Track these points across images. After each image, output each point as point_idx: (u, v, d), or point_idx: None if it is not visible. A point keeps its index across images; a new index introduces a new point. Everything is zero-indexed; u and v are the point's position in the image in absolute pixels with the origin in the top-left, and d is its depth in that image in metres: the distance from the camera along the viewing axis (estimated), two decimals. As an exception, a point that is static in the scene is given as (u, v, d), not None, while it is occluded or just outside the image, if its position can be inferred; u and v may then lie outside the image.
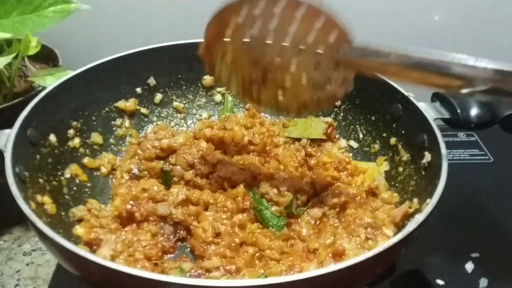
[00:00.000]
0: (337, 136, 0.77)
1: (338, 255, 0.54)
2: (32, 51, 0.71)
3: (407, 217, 0.57)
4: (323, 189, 0.66)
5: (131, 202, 0.61)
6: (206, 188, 0.66)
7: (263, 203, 0.64)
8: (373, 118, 0.74)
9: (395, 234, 0.56)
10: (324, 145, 0.75)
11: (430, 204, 0.50)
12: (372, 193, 0.66)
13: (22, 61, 0.76)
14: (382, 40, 0.98)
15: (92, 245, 0.57)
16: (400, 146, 0.68)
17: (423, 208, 0.52)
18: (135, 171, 0.68)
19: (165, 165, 0.69)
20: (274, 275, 0.53)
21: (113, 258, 0.53)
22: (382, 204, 0.62)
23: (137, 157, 0.70)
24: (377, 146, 0.73)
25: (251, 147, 0.72)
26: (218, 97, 0.82)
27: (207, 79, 0.81)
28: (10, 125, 0.56)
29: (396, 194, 0.64)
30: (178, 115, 0.81)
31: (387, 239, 0.56)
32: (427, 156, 0.60)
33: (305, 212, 0.64)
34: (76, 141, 0.68)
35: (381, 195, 0.64)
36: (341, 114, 0.78)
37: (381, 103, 0.71)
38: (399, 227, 0.57)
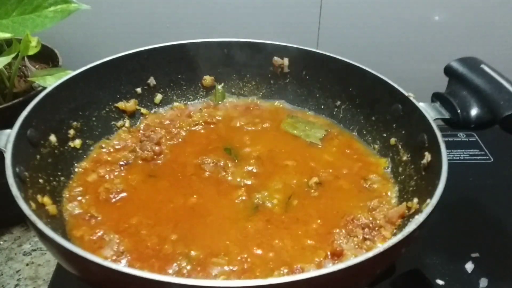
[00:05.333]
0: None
1: (336, 255, 0.54)
2: (32, 51, 0.71)
3: (407, 217, 0.57)
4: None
5: None
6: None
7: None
8: (373, 118, 0.73)
9: (393, 234, 0.57)
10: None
11: (430, 204, 0.50)
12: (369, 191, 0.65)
13: (22, 61, 0.76)
14: (382, 40, 0.99)
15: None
16: (400, 146, 0.68)
17: (423, 208, 0.52)
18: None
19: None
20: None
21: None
22: (380, 204, 0.61)
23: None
24: (377, 146, 0.73)
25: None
26: (218, 97, 0.82)
27: (207, 79, 0.81)
28: (10, 125, 0.55)
29: (395, 194, 0.64)
30: (178, 115, 0.81)
31: (385, 240, 0.56)
32: (427, 156, 0.60)
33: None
34: (77, 141, 0.68)
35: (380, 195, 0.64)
36: (341, 114, 0.78)
37: (381, 103, 0.71)
38: (397, 227, 0.57)
